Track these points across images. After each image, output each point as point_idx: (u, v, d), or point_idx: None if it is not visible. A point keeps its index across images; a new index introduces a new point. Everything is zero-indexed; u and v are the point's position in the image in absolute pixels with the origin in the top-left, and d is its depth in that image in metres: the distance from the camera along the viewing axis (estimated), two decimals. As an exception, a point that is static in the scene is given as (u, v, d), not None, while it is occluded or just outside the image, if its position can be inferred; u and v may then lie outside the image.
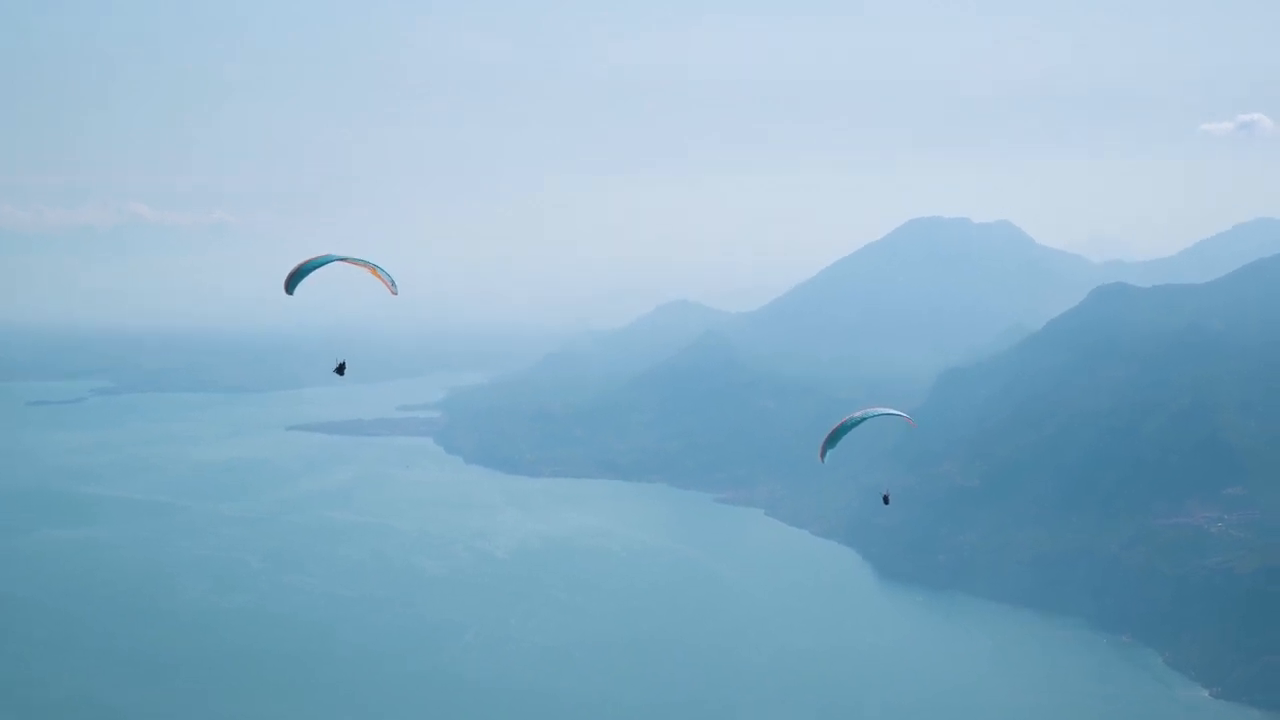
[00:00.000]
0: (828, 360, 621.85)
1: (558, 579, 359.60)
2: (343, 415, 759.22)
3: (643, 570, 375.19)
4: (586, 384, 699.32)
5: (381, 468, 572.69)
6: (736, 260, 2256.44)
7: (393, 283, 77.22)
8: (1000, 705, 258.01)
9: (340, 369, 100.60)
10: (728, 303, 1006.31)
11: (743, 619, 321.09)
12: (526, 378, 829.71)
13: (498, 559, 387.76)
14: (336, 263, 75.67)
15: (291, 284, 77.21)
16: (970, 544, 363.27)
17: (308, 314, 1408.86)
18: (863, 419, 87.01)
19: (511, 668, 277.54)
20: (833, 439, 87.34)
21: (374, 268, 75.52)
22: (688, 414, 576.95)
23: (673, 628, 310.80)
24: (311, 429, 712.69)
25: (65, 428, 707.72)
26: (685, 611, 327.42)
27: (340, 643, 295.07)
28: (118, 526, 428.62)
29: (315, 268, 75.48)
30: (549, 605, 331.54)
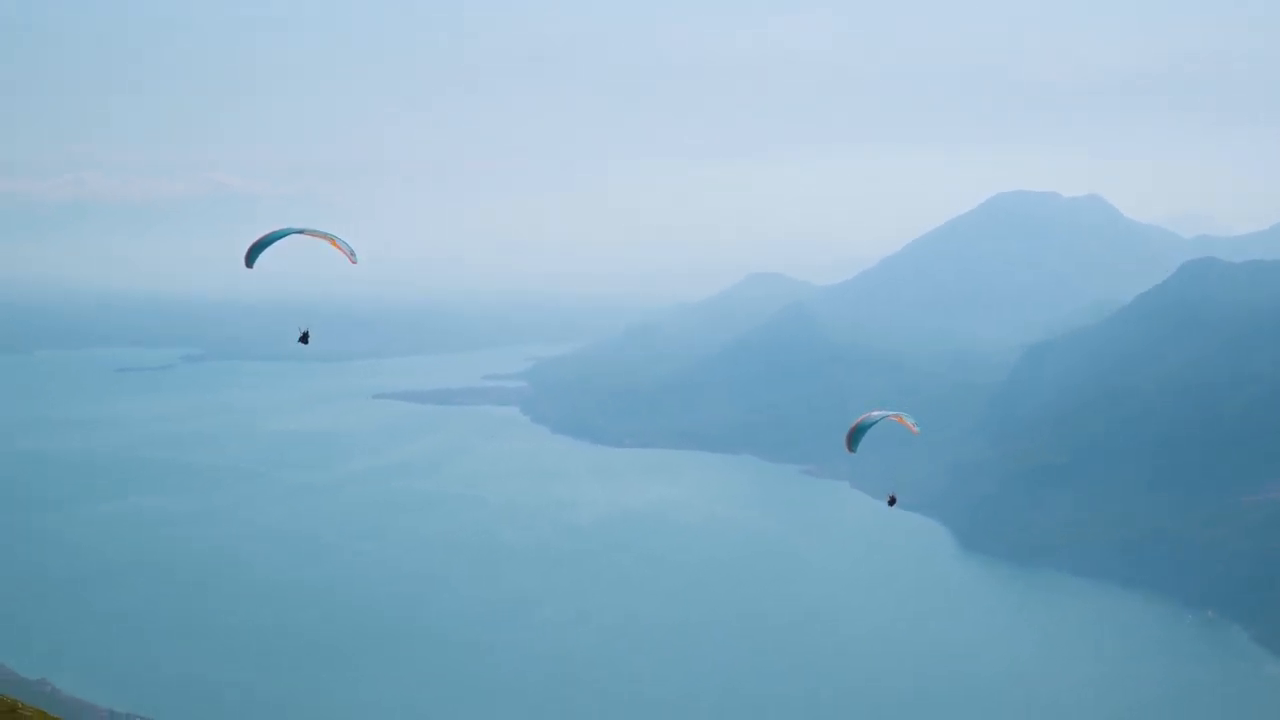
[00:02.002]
0: (914, 333, 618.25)
1: (637, 553, 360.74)
2: (429, 384, 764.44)
3: (723, 544, 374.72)
4: (671, 356, 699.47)
5: (469, 438, 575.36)
6: (823, 233, 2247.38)
7: (352, 252, 78.29)
8: (1083, 678, 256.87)
9: (304, 338, 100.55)
10: (814, 275, 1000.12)
11: (819, 595, 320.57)
12: (611, 349, 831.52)
13: (581, 532, 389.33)
14: (295, 234, 76.72)
15: (251, 257, 78.65)
16: (1055, 519, 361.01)
17: (386, 287, 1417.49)
18: (882, 418, 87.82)
19: (582, 645, 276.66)
20: (855, 435, 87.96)
21: (333, 238, 76.71)
22: (773, 386, 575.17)
23: (745, 605, 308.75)
24: (398, 397, 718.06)
25: (156, 394, 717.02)
26: (760, 586, 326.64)
27: (415, 616, 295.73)
28: (201, 495, 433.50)
29: (274, 240, 76.84)
30: (627, 580, 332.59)
